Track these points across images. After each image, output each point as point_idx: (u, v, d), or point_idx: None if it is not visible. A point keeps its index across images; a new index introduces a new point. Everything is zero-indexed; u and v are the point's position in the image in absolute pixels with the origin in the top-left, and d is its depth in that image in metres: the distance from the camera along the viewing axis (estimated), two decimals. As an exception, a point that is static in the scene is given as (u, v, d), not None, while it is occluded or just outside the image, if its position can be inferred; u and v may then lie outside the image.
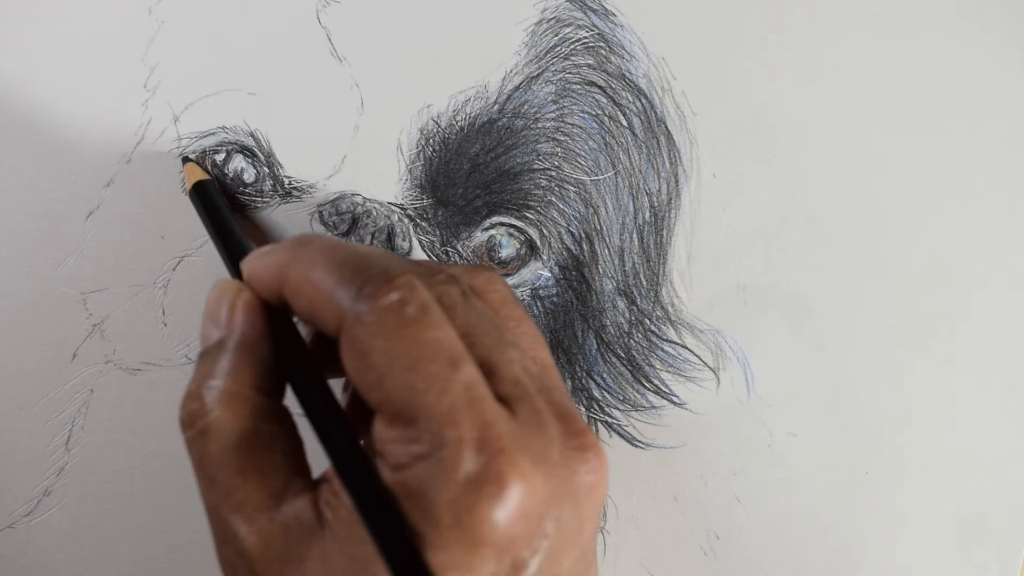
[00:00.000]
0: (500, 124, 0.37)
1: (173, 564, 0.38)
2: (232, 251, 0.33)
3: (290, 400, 0.30)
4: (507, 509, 0.25)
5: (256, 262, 0.30)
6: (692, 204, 0.38)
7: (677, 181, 0.38)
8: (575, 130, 0.37)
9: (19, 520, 0.37)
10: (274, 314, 0.30)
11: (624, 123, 0.38)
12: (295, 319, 0.31)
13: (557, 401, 0.29)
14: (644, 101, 0.37)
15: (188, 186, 0.36)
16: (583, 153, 0.38)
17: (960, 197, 0.38)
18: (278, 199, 0.37)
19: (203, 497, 0.29)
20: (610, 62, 0.37)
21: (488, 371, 0.27)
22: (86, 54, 0.36)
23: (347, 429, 0.28)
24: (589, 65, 0.37)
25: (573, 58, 0.37)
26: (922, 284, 0.38)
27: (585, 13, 0.37)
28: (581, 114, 0.37)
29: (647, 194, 0.38)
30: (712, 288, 0.38)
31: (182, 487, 0.37)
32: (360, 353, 0.27)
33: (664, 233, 0.38)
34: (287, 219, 0.37)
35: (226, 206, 0.35)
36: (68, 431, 0.37)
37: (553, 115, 0.37)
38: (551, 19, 0.37)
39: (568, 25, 0.37)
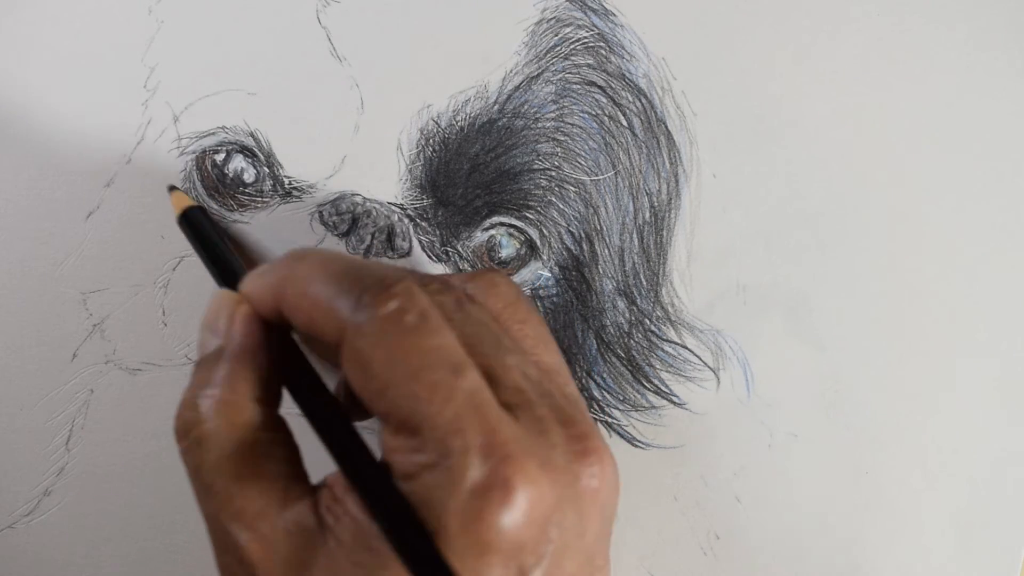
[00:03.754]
0: (500, 124, 0.37)
1: (173, 564, 0.38)
2: (226, 275, 0.33)
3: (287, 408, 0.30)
4: (515, 515, 0.25)
5: (252, 284, 0.30)
6: (692, 204, 0.38)
7: (677, 181, 0.38)
8: (575, 130, 0.37)
9: (19, 520, 0.37)
10: (273, 327, 0.30)
11: (624, 123, 0.38)
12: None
13: (559, 406, 0.29)
14: (644, 101, 0.37)
15: (176, 214, 0.36)
16: (583, 153, 0.38)
17: (960, 197, 0.38)
18: (278, 199, 0.37)
19: (201, 506, 0.29)
20: (610, 62, 0.37)
21: (488, 379, 0.27)
22: (86, 54, 0.36)
23: (352, 431, 0.28)
24: (589, 65, 0.37)
25: (573, 58, 0.37)
26: (922, 284, 0.38)
27: (585, 13, 0.37)
28: (581, 114, 0.37)
29: (647, 194, 0.38)
30: (712, 288, 0.38)
31: (182, 487, 0.37)
32: (362, 364, 0.26)
33: (664, 233, 0.38)
34: (287, 219, 0.37)
35: (216, 230, 0.35)
36: (68, 431, 0.37)
37: (553, 115, 0.37)
38: (551, 19, 0.37)
39: (568, 25, 0.37)
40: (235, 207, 0.37)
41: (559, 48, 0.37)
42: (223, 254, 0.34)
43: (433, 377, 0.26)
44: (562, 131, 0.37)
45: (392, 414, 0.26)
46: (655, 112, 0.38)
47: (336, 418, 0.28)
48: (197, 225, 0.35)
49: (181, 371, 0.37)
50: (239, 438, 0.28)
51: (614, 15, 0.37)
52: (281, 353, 0.30)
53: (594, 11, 0.37)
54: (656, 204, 0.38)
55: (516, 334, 0.31)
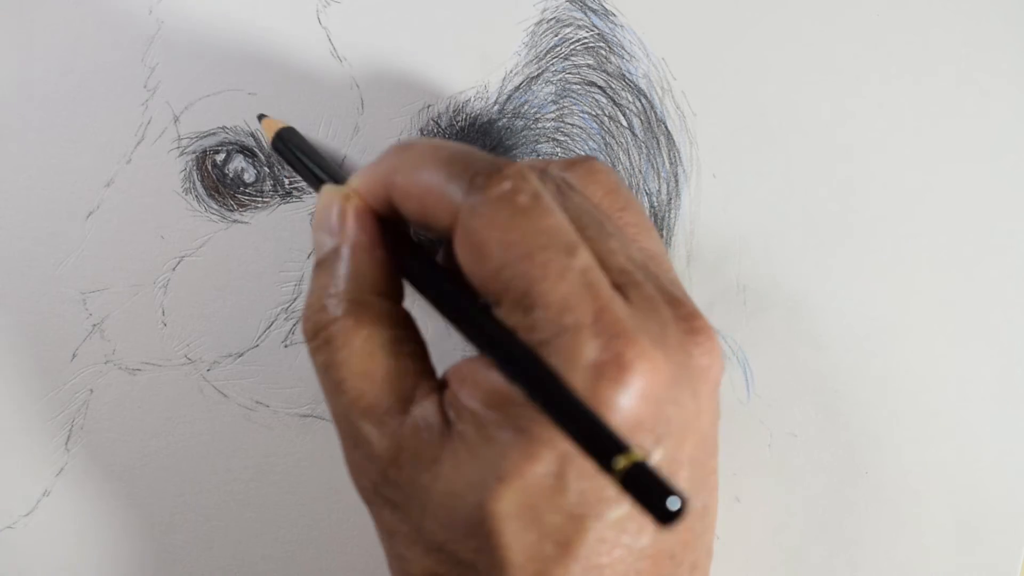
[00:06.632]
0: (500, 124, 0.37)
1: (173, 564, 0.38)
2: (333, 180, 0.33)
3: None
4: (631, 392, 0.25)
5: (360, 178, 0.30)
6: (692, 204, 0.38)
7: (677, 181, 0.38)
8: (575, 130, 0.37)
9: (19, 520, 0.37)
10: (385, 221, 0.30)
11: (624, 123, 0.38)
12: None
13: (665, 287, 0.29)
14: (644, 101, 0.38)
15: (268, 140, 0.35)
16: (583, 153, 0.38)
17: (960, 196, 0.38)
18: (278, 199, 0.37)
19: (330, 404, 0.29)
20: (610, 62, 0.37)
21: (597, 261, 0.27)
22: (86, 54, 0.37)
23: (483, 310, 0.27)
24: (589, 65, 0.37)
25: (573, 58, 0.37)
26: (922, 284, 0.38)
27: (585, 13, 0.37)
28: (581, 114, 0.37)
29: (647, 194, 0.38)
30: (712, 288, 0.38)
31: (182, 487, 0.37)
32: (476, 245, 0.26)
33: (664, 233, 0.38)
34: (287, 219, 0.37)
35: (311, 146, 0.35)
36: (68, 431, 0.37)
37: (553, 115, 0.37)
38: (551, 19, 0.37)
39: (568, 25, 0.37)
40: (235, 207, 0.37)
41: (559, 48, 0.37)
42: (326, 165, 0.33)
43: (547, 256, 0.26)
44: (562, 131, 0.37)
45: (506, 293, 0.26)
46: (655, 112, 0.38)
47: (463, 298, 0.28)
48: (292, 145, 0.34)
49: (181, 371, 0.37)
50: (367, 334, 0.28)
51: (614, 15, 0.37)
52: (397, 246, 0.30)
53: (594, 11, 0.37)
54: (656, 204, 0.38)
55: (617, 221, 0.31)
